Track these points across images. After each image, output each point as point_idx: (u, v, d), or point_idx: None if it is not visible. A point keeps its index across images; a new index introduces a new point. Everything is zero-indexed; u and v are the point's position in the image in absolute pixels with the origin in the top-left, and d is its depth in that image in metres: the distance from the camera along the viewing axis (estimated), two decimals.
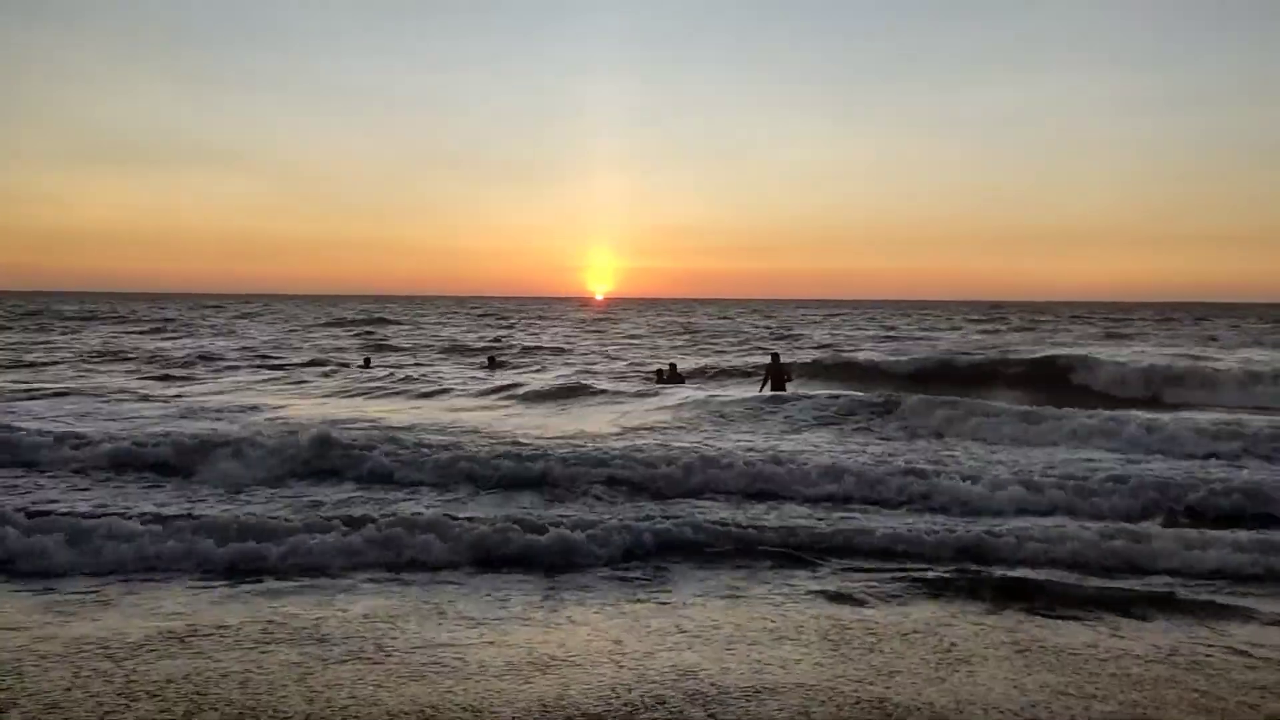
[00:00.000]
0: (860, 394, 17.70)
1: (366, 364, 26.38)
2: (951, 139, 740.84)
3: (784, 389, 19.34)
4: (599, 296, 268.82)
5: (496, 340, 37.37)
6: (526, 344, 42.61)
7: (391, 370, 25.19)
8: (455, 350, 38.07)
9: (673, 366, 24.17)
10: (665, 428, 15.06)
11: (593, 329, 60.10)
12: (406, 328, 57.92)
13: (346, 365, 27.40)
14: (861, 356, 29.34)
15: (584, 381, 22.33)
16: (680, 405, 17.55)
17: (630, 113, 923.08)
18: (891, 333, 55.18)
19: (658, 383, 23.09)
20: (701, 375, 26.90)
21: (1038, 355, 27.00)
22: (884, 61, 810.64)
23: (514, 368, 30.56)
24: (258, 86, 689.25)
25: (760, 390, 19.40)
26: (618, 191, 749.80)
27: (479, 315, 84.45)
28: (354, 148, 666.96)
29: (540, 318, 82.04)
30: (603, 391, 20.36)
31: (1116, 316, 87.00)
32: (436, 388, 21.85)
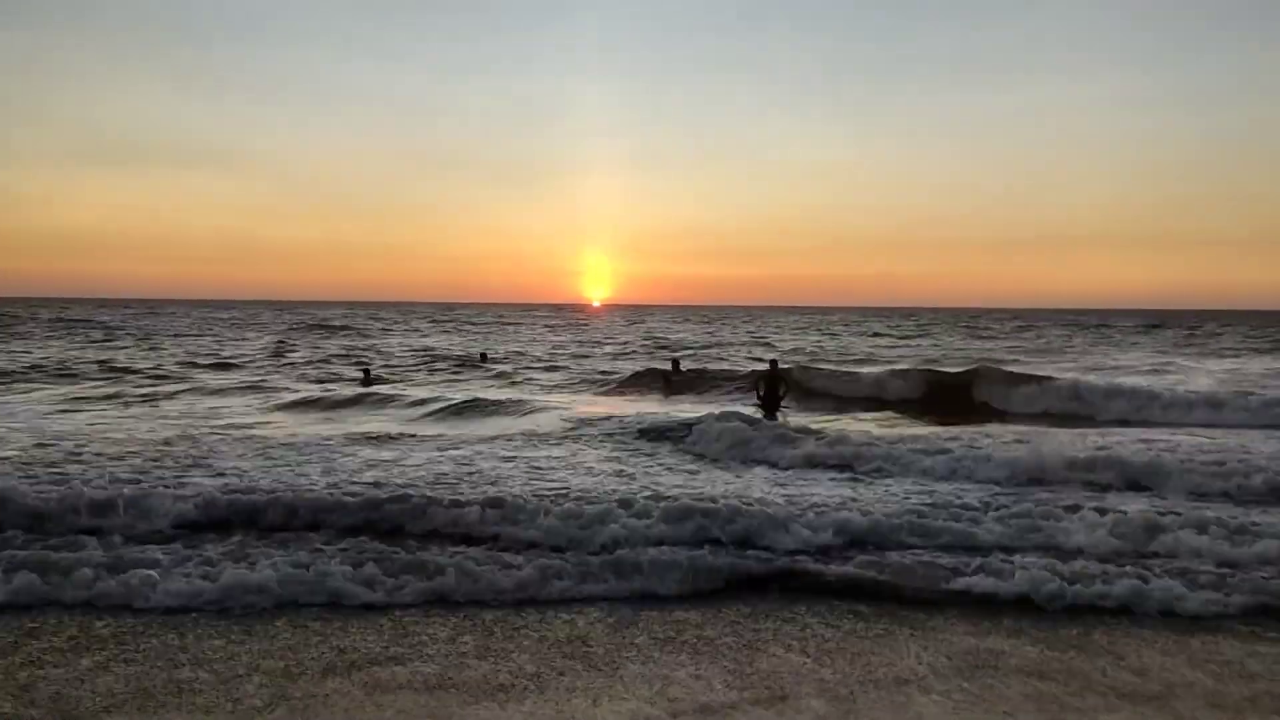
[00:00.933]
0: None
1: (366, 375, 25.69)
2: (953, 141, 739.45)
3: (778, 402, 17.74)
4: (596, 303, 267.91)
5: (482, 355, 36.27)
6: (493, 353, 40.74)
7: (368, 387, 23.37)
8: (432, 359, 36.03)
9: (674, 363, 23.00)
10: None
11: (566, 336, 58.34)
12: (371, 337, 56.08)
13: (357, 378, 26.27)
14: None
15: (483, 396, 20.45)
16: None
17: (629, 116, 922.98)
18: (872, 343, 53.29)
19: (668, 391, 22.14)
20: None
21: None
22: (884, 63, 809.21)
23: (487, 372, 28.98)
24: (255, 88, 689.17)
25: (756, 399, 17.90)
26: (617, 196, 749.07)
27: (463, 323, 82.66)
28: (351, 150, 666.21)
29: (516, 324, 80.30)
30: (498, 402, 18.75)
31: (1122, 325, 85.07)
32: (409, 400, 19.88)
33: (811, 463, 11.73)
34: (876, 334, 63.17)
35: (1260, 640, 5.71)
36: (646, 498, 8.67)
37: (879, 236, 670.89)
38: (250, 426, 15.54)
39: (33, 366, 28.38)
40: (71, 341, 42.88)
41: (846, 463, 11.54)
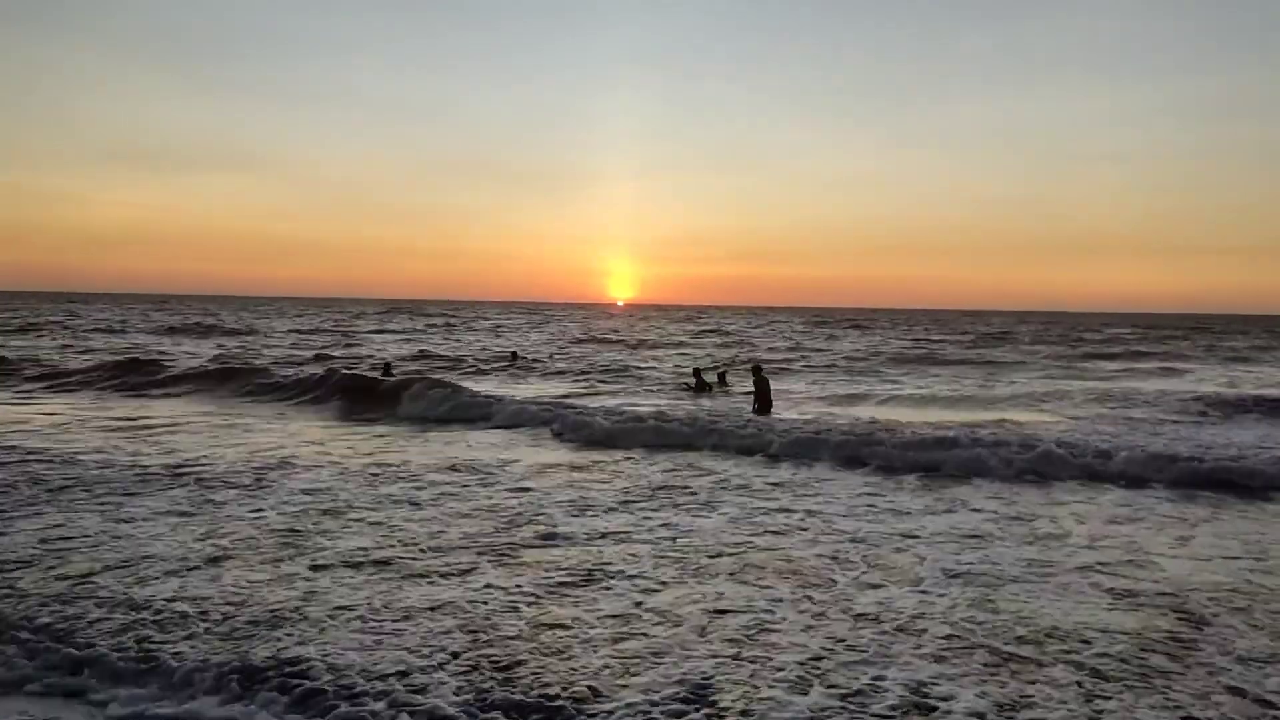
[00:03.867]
0: None
1: (386, 370, 26.49)
2: (981, 149, 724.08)
3: (769, 402, 17.96)
4: (620, 303, 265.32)
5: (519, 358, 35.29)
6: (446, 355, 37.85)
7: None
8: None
9: (696, 373, 22.89)
10: None
11: (548, 337, 55.44)
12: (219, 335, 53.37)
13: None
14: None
15: None
16: None
17: (652, 124, 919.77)
18: (851, 346, 49.50)
19: (696, 389, 22.28)
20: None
21: None
22: (902, 72, 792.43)
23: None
24: (284, 95, 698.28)
25: (751, 410, 17.86)
26: (642, 200, 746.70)
27: (450, 324, 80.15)
28: (373, 155, 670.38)
29: (481, 323, 77.47)
30: None
31: (1141, 331, 79.84)
32: None
33: None
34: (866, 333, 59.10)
35: None
36: None
37: (904, 240, 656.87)
38: None
39: None
40: None
41: None
